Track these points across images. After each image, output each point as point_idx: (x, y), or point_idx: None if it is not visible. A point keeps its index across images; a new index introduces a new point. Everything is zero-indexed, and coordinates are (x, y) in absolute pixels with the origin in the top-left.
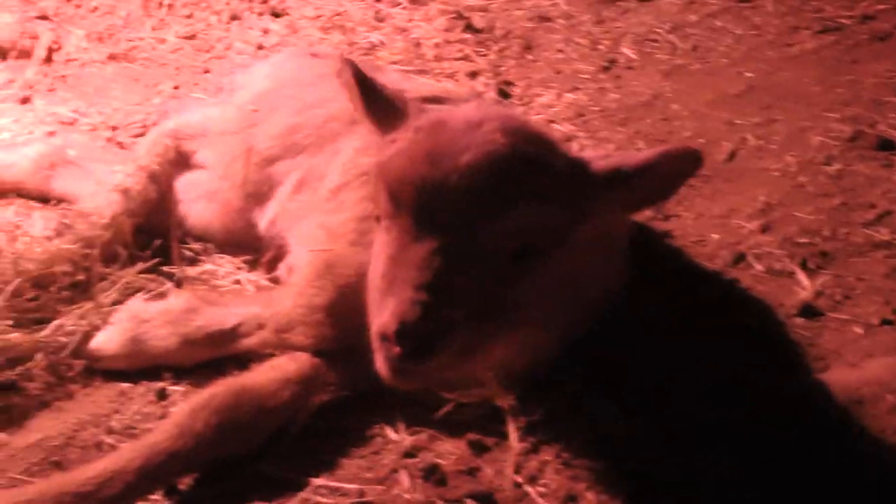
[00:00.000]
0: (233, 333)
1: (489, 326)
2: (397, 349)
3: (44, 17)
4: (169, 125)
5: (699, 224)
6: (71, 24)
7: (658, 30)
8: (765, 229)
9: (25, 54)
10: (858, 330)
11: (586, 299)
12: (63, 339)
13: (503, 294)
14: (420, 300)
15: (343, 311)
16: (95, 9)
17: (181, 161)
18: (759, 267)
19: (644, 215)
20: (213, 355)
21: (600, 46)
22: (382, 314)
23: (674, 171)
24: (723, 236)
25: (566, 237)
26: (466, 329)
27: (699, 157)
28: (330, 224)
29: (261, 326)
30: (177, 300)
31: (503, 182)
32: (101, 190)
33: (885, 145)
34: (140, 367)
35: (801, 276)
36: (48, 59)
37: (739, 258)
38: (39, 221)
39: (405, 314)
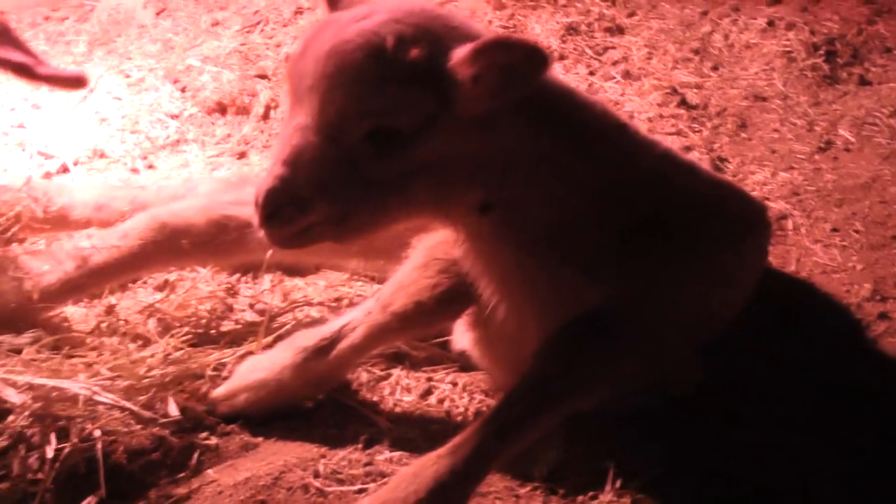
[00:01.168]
0: (339, 334)
1: (338, 205)
2: (259, 215)
3: (263, 76)
4: None
5: None
6: None
7: (877, 114)
8: None
9: (244, 111)
10: None
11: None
12: None
13: (353, 175)
14: (277, 174)
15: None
16: None
17: None
18: None
19: None
20: (328, 370)
21: (816, 127)
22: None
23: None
24: None
25: (438, 117)
26: (318, 203)
27: (539, 53)
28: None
29: (368, 313)
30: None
31: (349, 70)
32: None
33: None
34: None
35: None
36: (265, 117)
37: None
38: None
39: (263, 184)
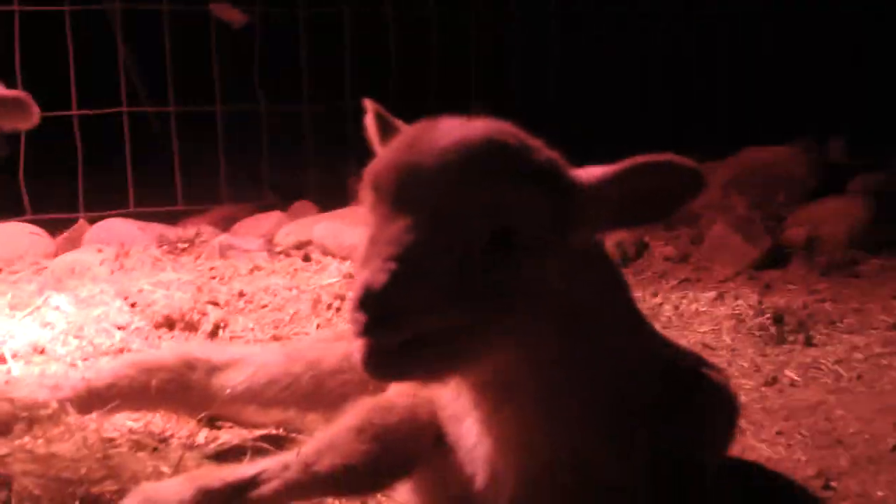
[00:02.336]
0: (253, 481)
1: (467, 313)
2: (363, 317)
3: (214, 303)
4: None
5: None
6: (240, 314)
7: (822, 361)
8: None
9: (192, 327)
10: None
11: (601, 354)
12: None
13: (482, 279)
14: (388, 269)
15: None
16: (265, 306)
17: None
18: None
19: None
20: None
21: (763, 369)
22: (355, 289)
23: (668, 185)
24: None
25: (557, 238)
26: (440, 306)
27: (699, 176)
28: None
29: (286, 468)
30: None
31: (478, 163)
32: None
33: None
34: None
35: None
36: (213, 334)
37: None
38: None
39: (371, 282)
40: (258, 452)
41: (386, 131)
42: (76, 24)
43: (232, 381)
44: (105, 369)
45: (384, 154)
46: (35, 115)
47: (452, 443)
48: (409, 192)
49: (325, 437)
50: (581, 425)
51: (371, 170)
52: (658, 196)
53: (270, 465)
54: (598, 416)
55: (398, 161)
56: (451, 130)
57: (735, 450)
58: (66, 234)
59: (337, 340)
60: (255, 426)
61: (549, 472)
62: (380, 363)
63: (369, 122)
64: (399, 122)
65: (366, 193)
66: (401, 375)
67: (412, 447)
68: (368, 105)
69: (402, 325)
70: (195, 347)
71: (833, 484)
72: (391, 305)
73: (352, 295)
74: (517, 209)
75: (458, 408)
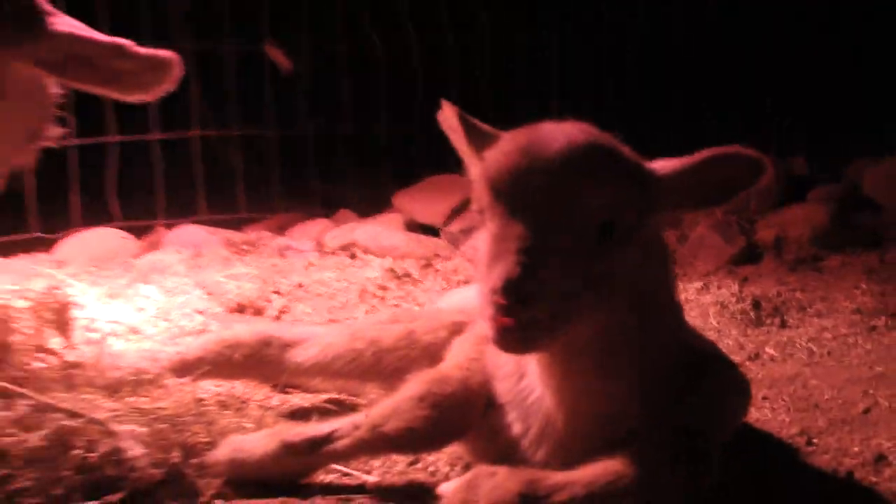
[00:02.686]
0: (329, 438)
1: (579, 295)
2: (503, 301)
3: (277, 292)
4: None
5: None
6: (299, 301)
7: (798, 341)
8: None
9: (259, 312)
10: None
11: (652, 324)
12: None
13: (590, 266)
14: (521, 262)
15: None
16: (319, 295)
17: None
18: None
19: None
20: (304, 467)
21: (745, 347)
22: (491, 279)
23: (730, 173)
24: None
25: (640, 225)
26: (561, 292)
27: (761, 164)
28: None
29: (356, 427)
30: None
31: (587, 165)
32: None
33: None
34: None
35: None
36: (277, 318)
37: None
38: None
39: (509, 273)
40: (323, 413)
41: (474, 133)
42: None
43: (302, 356)
44: (194, 345)
45: (498, 159)
46: (175, 78)
47: (503, 403)
48: (528, 194)
49: (391, 404)
50: (627, 383)
51: (489, 174)
52: (726, 183)
53: (342, 425)
54: (640, 377)
55: (516, 166)
56: (558, 137)
57: None
58: (148, 238)
59: (392, 323)
60: (319, 392)
61: (594, 422)
62: (510, 339)
63: (450, 121)
64: (486, 126)
65: (483, 194)
66: (524, 348)
67: (465, 413)
68: (447, 107)
69: (532, 307)
70: (271, 327)
71: (815, 441)
72: (524, 292)
73: (490, 284)
74: (618, 205)
75: (520, 369)
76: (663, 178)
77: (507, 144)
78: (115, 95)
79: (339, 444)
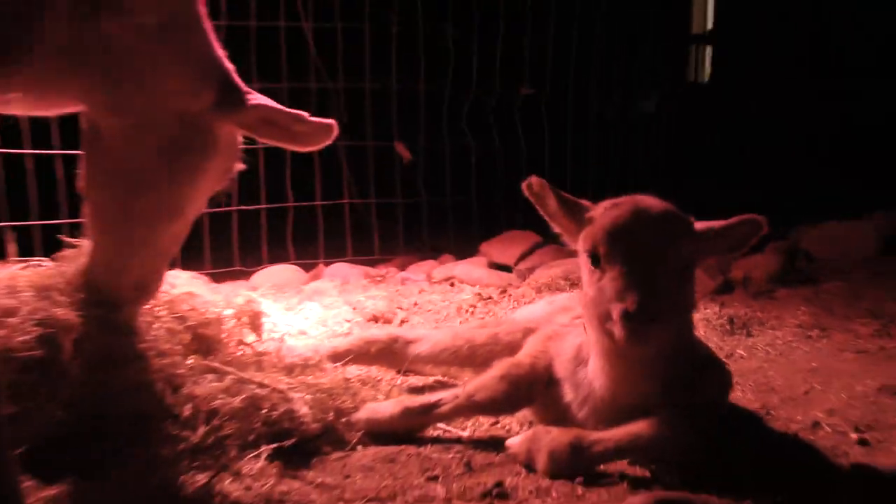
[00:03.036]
0: (437, 404)
1: (679, 313)
2: (640, 317)
3: (400, 308)
4: None
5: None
6: (415, 314)
7: (758, 346)
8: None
9: (388, 321)
10: None
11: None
12: None
13: (679, 294)
14: (645, 292)
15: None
16: (429, 311)
17: None
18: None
19: None
20: (419, 424)
21: (722, 349)
22: (626, 302)
23: (746, 231)
24: None
25: (694, 265)
26: (667, 310)
27: (763, 224)
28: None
29: (455, 397)
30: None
31: (674, 227)
32: None
33: None
34: (377, 431)
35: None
36: (400, 325)
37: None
38: None
39: (641, 300)
40: (432, 389)
41: (563, 201)
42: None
43: (418, 350)
44: (344, 342)
45: (611, 222)
46: (333, 138)
47: (559, 379)
48: (640, 247)
49: (480, 381)
50: (667, 370)
51: (605, 232)
52: (745, 237)
53: (446, 395)
54: (675, 366)
55: (629, 228)
56: (654, 205)
57: None
58: (312, 272)
59: (482, 328)
60: (430, 375)
61: (627, 401)
62: (636, 340)
63: (543, 193)
64: (567, 195)
65: (601, 246)
66: (644, 346)
67: (532, 388)
68: (535, 180)
69: (654, 321)
70: (396, 330)
71: (772, 412)
72: (650, 312)
73: (626, 306)
74: (691, 252)
75: (579, 356)
76: (708, 235)
77: (618, 210)
78: (292, 148)
79: (444, 409)
